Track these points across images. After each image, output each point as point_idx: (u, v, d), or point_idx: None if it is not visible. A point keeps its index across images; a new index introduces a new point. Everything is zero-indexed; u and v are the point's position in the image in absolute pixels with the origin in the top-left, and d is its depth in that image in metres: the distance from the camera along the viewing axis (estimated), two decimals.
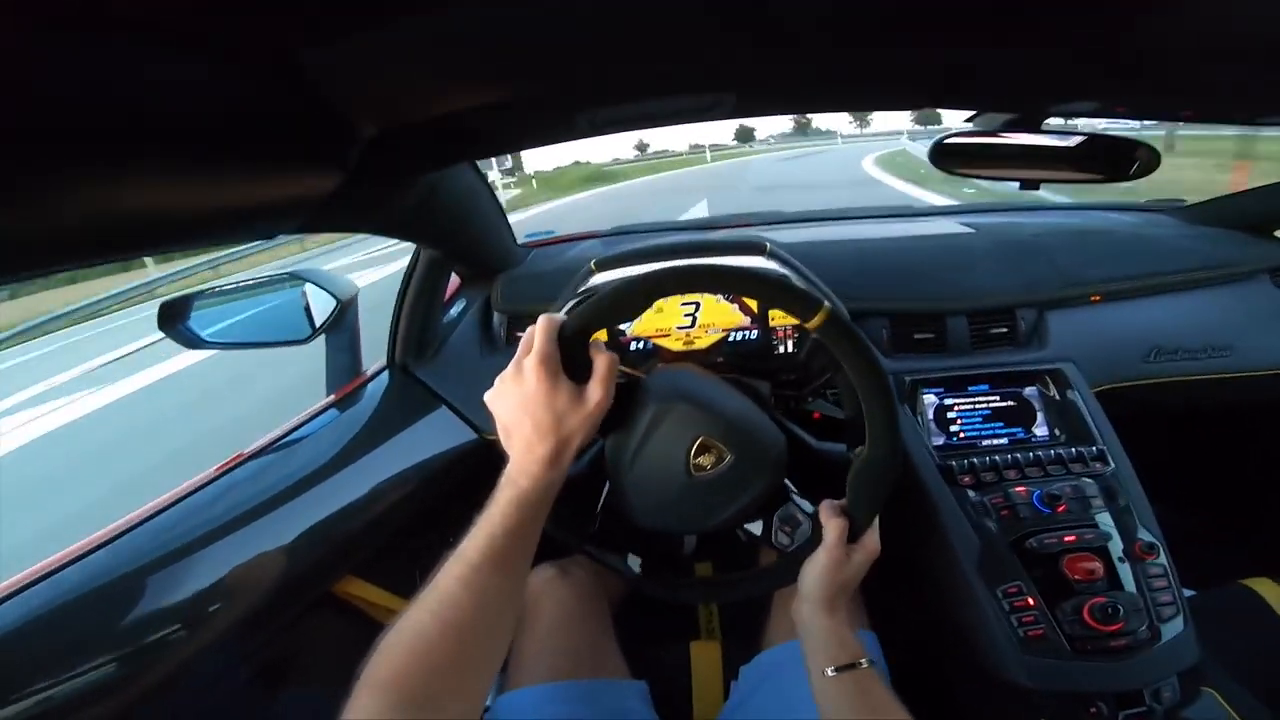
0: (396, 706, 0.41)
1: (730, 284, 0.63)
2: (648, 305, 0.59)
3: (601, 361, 0.56)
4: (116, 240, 0.39)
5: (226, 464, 0.83)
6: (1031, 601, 0.73)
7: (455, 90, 0.46)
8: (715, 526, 0.64)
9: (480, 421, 0.99)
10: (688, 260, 0.62)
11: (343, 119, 0.45)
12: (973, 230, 1.15)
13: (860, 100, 0.61)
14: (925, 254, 1.07)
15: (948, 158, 0.72)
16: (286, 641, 0.83)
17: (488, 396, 0.57)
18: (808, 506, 0.66)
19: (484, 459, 0.97)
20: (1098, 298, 1.01)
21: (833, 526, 0.60)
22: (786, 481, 0.68)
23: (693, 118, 0.61)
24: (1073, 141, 0.74)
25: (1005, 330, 0.99)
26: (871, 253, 1.07)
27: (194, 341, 1.00)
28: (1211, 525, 1.34)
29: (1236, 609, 0.86)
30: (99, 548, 0.67)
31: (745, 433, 0.63)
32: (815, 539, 0.62)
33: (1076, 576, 0.73)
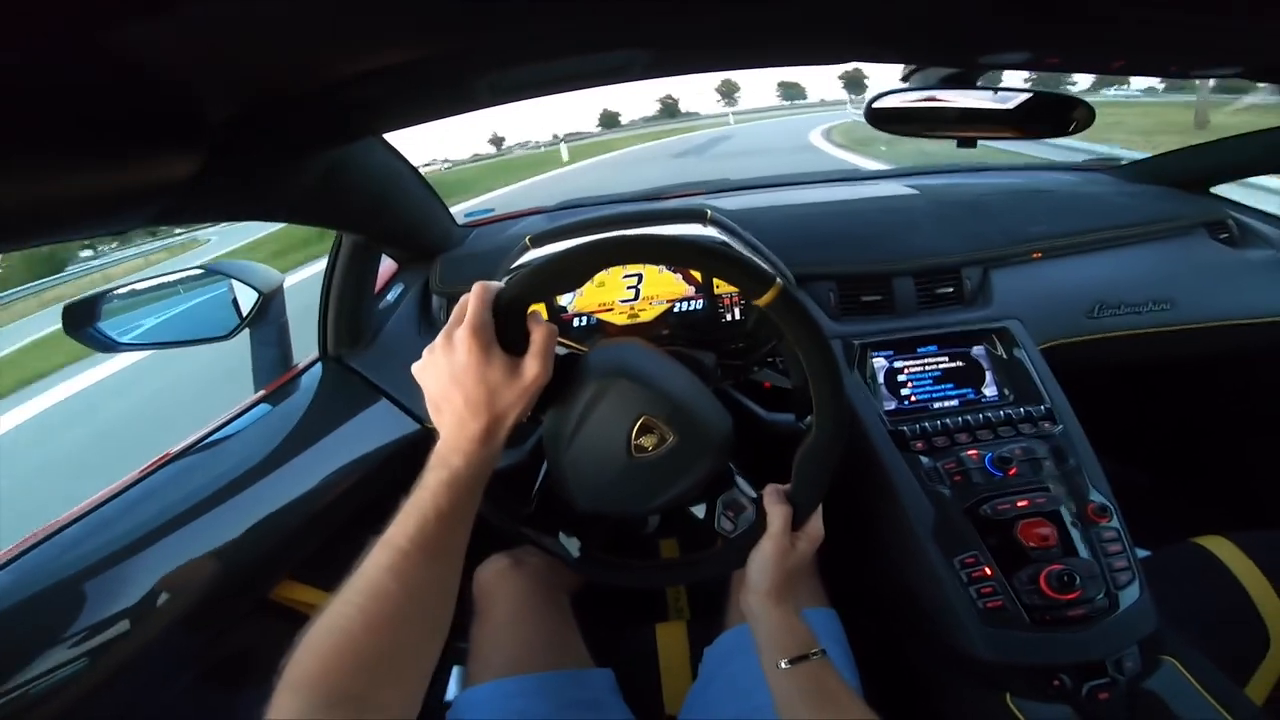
0: (320, 706, 0.38)
1: (677, 255, 0.60)
2: (589, 275, 0.56)
3: (539, 333, 0.53)
4: None
5: (152, 465, 0.78)
6: (989, 571, 0.72)
7: (325, 58, 0.41)
8: (654, 509, 0.62)
9: (422, 411, 0.95)
10: (635, 230, 0.59)
11: (189, 96, 0.40)
12: (916, 192, 1.14)
13: (783, 55, 0.57)
14: (870, 216, 1.05)
15: (884, 118, 0.70)
16: (229, 646, 0.80)
17: (415, 368, 0.53)
18: (752, 491, 0.64)
19: (427, 450, 0.94)
20: (1040, 255, 1.01)
21: (776, 514, 0.59)
22: (731, 465, 0.66)
23: (604, 80, 0.57)
24: (1009, 101, 0.72)
25: (951, 290, 0.98)
26: (817, 217, 1.05)
27: (108, 345, 0.94)
28: (1161, 481, 1.38)
29: (1191, 569, 0.85)
30: (27, 552, 0.64)
31: (691, 414, 0.60)
32: (759, 525, 0.60)
33: (1031, 544, 0.73)
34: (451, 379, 0.50)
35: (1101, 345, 0.98)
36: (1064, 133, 0.74)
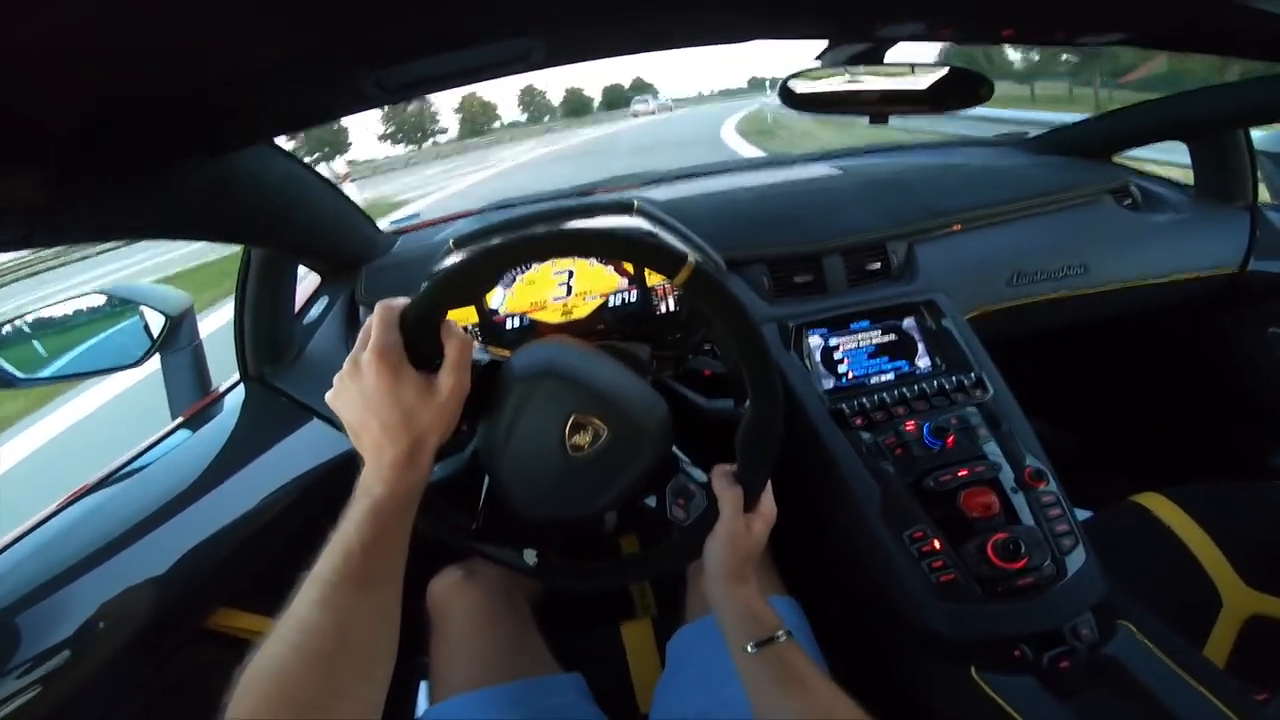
0: None
1: (588, 246, 0.59)
2: (494, 279, 0.55)
3: (453, 346, 0.51)
4: None
5: (69, 497, 0.75)
6: (938, 544, 0.72)
7: (184, 58, 0.39)
8: (603, 508, 0.61)
9: None
10: (544, 227, 0.57)
11: (28, 108, 0.36)
12: (840, 172, 1.16)
13: (684, 36, 0.57)
14: (797, 198, 1.07)
15: (797, 98, 0.71)
16: (171, 676, 0.77)
17: (328, 397, 0.51)
18: (700, 476, 0.63)
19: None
20: (959, 226, 1.04)
21: (727, 497, 0.58)
22: (676, 451, 0.64)
23: (501, 71, 0.55)
24: (919, 78, 0.73)
25: (879, 265, 1.00)
26: (745, 202, 1.06)
27: (7, 381, 0.88)
28: (1095, 443, 1.43)
29: (1132, 531, 0.88)
30: None
31: (622, 404, 0.59)
32: (711, 510, 0.59)
33: (975, 514, 0.73)
34: (365, 405, 0.49)
35: (1023, 311, 1.02)
36: (969, 104, 0.76)
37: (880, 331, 0.94)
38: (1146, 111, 1.12)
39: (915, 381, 0.88)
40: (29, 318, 0.90)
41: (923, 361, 0.92)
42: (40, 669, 0.60)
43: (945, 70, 0.73)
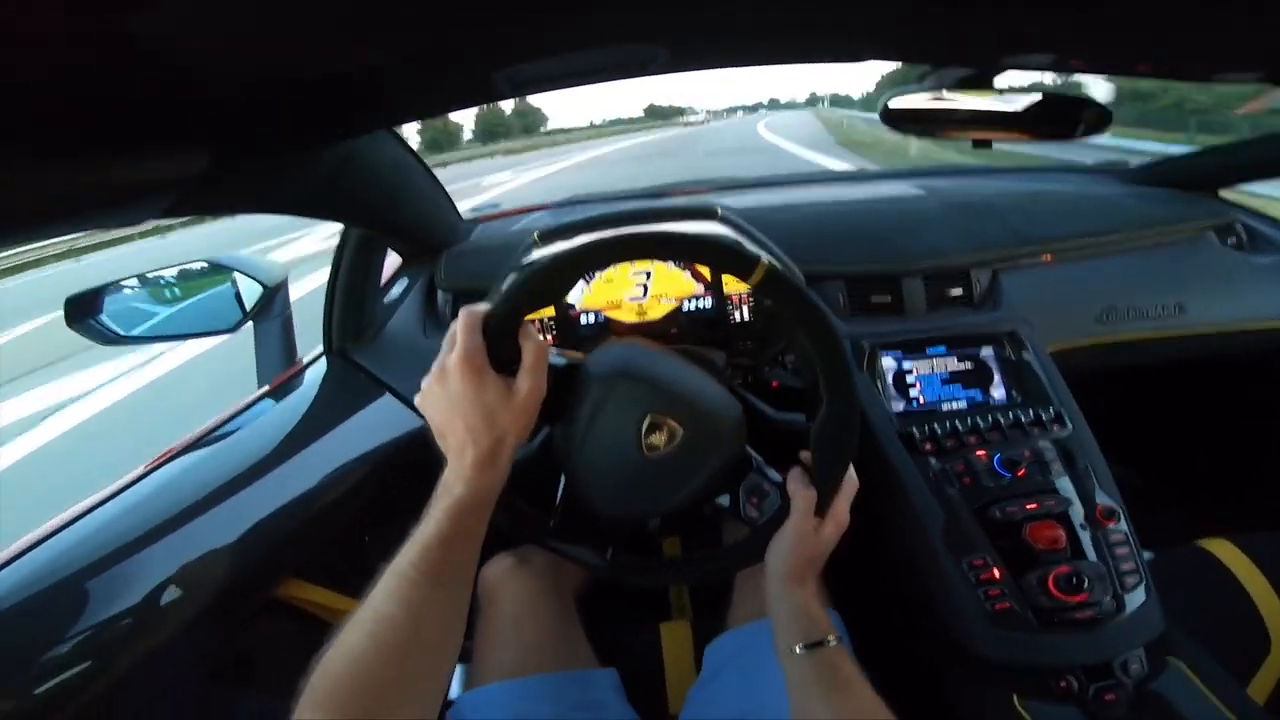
0: None
1: (661, 248, 0.58)
2: (572, 282, 0.56)
3: (529, 349, 0.52)
4: None
5: (155, 460, 0.77)
6: (998, 574, 0.72)
7: (337, 48, 0.40)
8: (679, 506, 0.61)
9: None
10: (615, 230, 0.58)
11: (199, 88, 0.39)
12: (924, 193, 1.13)
13: (803, 52, 0.57)
14: (879, 217, 1.04)
15: (898, 118, 0.69)
16: (238, 647, 0.79)
17: (418, 400, 0.54)
18: (775, 476, 0.63)
19: (433, 447, 0.94)
20: (1049, 257, 1.00)
21: (800, 497, 0.58)
22: (750, 451, 0.64)
23: (622, 74, 0.56)
24: (1022, 101, 0.71)
25: (960, 291, 0.97)
26: (826, 216, 1.05)
27: (110, 338, 0.93)
28: (1166, 485, 1.37)
29: (1194, 572, 0.86)
30: (29, 550, 0.63)
31: (696, 405, 0.59)
32: (785, 510, 0.59)
33: (1040, 545, 0.73)
34: (450, 408, 0.51)
35: (1110, 349, 0.98)
36: (1072, 135, 0.73)
37: (957, 359, 0.92)
38: (1260, 146, 1.06)
39: (989, 411, 0.86)
40: (136, 279, 0.95)
41: (998, 392, 0.90)
42: (108, 634, 0.60)
43: (1060, 96, 0.71)
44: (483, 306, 0.53)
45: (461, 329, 0.52)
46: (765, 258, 0.53)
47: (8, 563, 0.61)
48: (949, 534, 0.76)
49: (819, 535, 0.58)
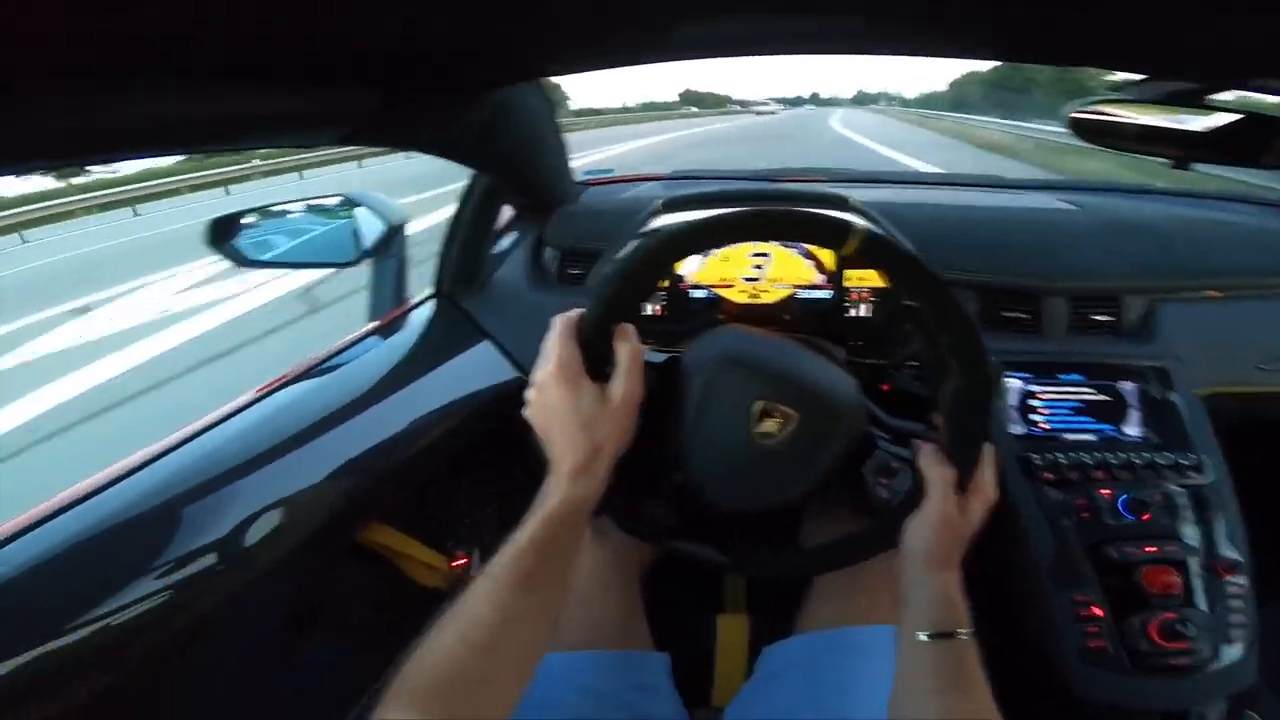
0: None
1: (741, 231, 0.55)
2: (658, 279, 0.54)
3: (623, 353, 0.52)
4: (166, 138, 0.41)
5: (267, 386, 0.80)
6: (1099, 612, 0.70)
7: None
8: (804, 493, 0.59)
9: (522, 358, 0.96)
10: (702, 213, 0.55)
11: (374, 30, 0.39)
12: (1075, 208, 1.03)
13: (1018, 49, 0.51)
14: (1024, 227, 0.96)
15: (1085, 129, 0.63)
16: (318, 587, 0.81)
17: (526, 411, 0.54)
18: (903, 451, 0.60)
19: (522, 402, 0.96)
20: (1216, 293, 0.91)
21: (936, 476, 0.54)
22: (873, 429, 0.61)
23: (804, 47, 0.52)
24: (1227, 120, 0.63)
25: (1109, 318, 0.89)
26: (961, 220, 0.97)
27: (242, 260, 0.97)
28: None
29: None
30: (135, 471, 0.63)
31: (808, 388, 0.57)
32: (918, 489, 0.56)
33: (1153, 590, 0.70)
34: (549, 417, 0.52)
35: (1267, 400, 0.89)
36: None
37: (1093, 389, 0.85)
38: None
39: (1121, 448, 0.80)
40: (272, 207, 1.00)
41: (1132, 430, 0.83)
42: (193, 568, 0.59)
43: (1269, 120, 0.62)
44: (576, 313, 0.53)
45: (556, 336, 0.52)
46: (860, 223, 0.49)
47: (110, 485, 0.61)
48: (1056, 566, 0.73)
49: (965, 513, 0.55)
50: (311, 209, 1.01)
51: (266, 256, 1.00)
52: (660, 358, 0.60)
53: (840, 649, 0.70)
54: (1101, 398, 0.84)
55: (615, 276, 0.51)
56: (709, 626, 0.88)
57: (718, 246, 0.72)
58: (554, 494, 0.50)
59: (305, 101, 0.44)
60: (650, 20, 0.47)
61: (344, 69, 0.44)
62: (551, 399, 0.51)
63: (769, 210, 0.52)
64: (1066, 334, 0.89)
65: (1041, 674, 0.72)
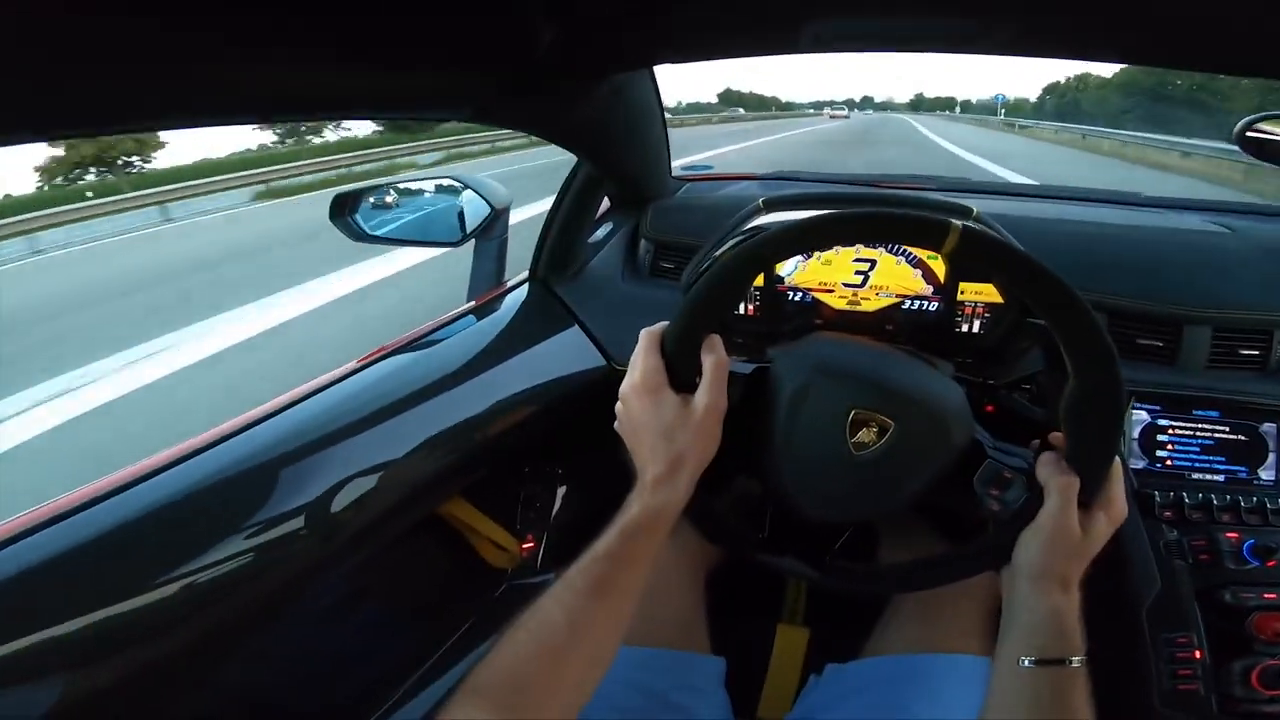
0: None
1: (832, 235, 0.53)
2: (744, 290, 0.53)
3: (709, 363, 0.52)
4: (309, 103, 0.44)
5: (366, 358, 0.82)
6: (1198, 655, 0.67)
7: None
8: (907, 503, 0.57)
9: (610, 347, 0.97)
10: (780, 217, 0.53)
11: (533, 7, 0.40)
12: (1228, 231, 0.94)
13: (1188, 57, 0.47)
14: (1165, 249, 0.88)
15: (1258, 146, 0.58)
16: (388, 558, 0.83)
17: (616, 425, 0.55)
18: (1018, 461, 0.55)
19: (608, 391, 0.96)
20: None
21: (1056, 485, 0.50)
22: (981, 435, 0.57)
23: (945, 47, 0.50)
24: None
25: (1256, 353, 0.81)
26: (1091, 238, 0.90)
27: (358, 234, 1.04)
28: None
29: None
30: (233, 435, 0.64)
31: (904, 395, 0.54)
32: (1035, 500, 0.51)
33: (1264, 636, 0.67)
34: (633, 429, 0.53)
35: None
36: None
37: (1228, 429, 0.77)
38: None
39: (1254, 492, 0.74)
40: (389, 186, 1.06)
41: (1267, 473, 0.76)
42: (272, 533, 0.60)
43: None
44: (660, 327, 0.53)
45: (640, 348, 0.53)
46: (958, 222, 0.46)
47: (209, 447, 0.62)
48: (1158, 606, 0.70)
49: (1088, 529, 0.50)
50: (424, 190, 1.06)
51: (379, 232, 1.06)
52: (749, 368, 0.59)
53: (916, 677, 0.67)
54: (1237, 437, 0.77)
55: (699, 290, 0.51)
56: (767, 635, 0.87)
57: (807, 251, 0.70)
58: (634, 504, 0.51)
59: (432, 80, 0.46)
60: (784, 11, 0.47)
61: (470, 49, 0.45)
62: (634, 410, 0.52)
63: (861, 211, 0.50)
64: (1206, 368, 0.81)
65: (1126, 713, 0.68)
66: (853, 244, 0.81)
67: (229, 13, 0.31)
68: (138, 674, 0.51)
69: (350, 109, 0.48)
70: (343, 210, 1.00)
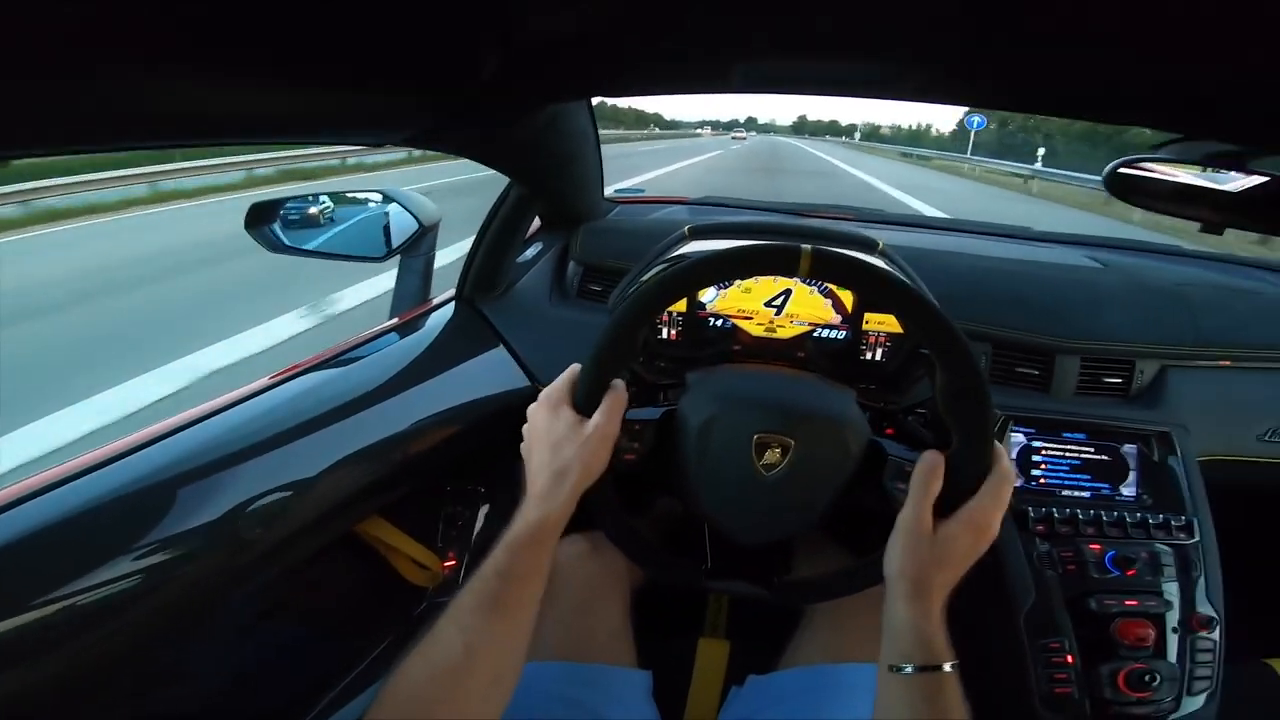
0: None
1: (707, 277, 0.58)
2: (642, 335, 0.57)
3: (609, 395, 0.55)
4: (230, 129, 0.43)
5: (281, 374, 0.79)
6: (1070, 659, 0.73)
7: (611, 12, 0.42)
8: (826, 514, 0.61)
9: (535, 368, 0.97)
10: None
11: (474, 36, 0.41)
12: (1101, 266, 1.05)
13: (1087, 108, 0.53)
14: (1046, 283, 0.97)
15: (1124, 185, 0.64)
16: (304, 575, 0.81)
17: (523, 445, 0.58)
18: (913, 455, 0.57)
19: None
20: (1228, 363, 0.92)
21: (920, 485, 0.50)
22: (878, 439, 0.61)
23: (863, 91, 0.54)
24: (1265, 183, 0.65)
25: (1119, 381, 0.90)
26: (983, 271, 0.99)
27: (276, 246, 1.00)
28: (1260, 601, 1.26)
29: (1252, 686, 0.86)
30: (139, 449, 0.61)
31: (798, 413, 0.59)
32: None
33: (1126, 641, 0.73)
34: (530, 440, 0.57)
35: (1264, 469, 0.90)
36: None
37: (1094, 449, 0.86)
38: None
39: (1114, 507, 0.83)
40: (310, 197, 1.02)
41: (1128, 490, 0.85)
42: (169, 551, 0.57)
43: None
44: (577, 365, 0.57)
45: (561, 377, 0.58)
46: (806, 246, 0.51)
47: (111, 460, 0.59)
48: (1033, 614, 0.76)
49: (945, 536, 0.50)
50: (348, 201, 1.04)
51: (297, 244, 1.02)
52: (657, 413, 0.63)
53: (830, 686, 0.70)
54: (1101, 457, 0.86)
55: (610, 336, 0.55)
56: (690, 649, 0.89)
57: (683, 296, 0.76)
58: (518, 520, 0.52)
59: (370, 103, 0.46)
60: (714, 52, 0.50)
61: (412, 73, 0.46)
62: (534, 421, 0.57)
63: (721, 252, 0.53)
64: (1075, 394, 0.90)
65: (1006, 714, 0.74)
66: (717, 282, 0.86)
67: (143, 23, 0.29)
68: (35, 688, 0.49)
69: (283, 132, 0.47)
70: (260, 220, 0.96)
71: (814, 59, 0.48)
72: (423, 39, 0.41)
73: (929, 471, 0.51)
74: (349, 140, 0.53)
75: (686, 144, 34.92)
